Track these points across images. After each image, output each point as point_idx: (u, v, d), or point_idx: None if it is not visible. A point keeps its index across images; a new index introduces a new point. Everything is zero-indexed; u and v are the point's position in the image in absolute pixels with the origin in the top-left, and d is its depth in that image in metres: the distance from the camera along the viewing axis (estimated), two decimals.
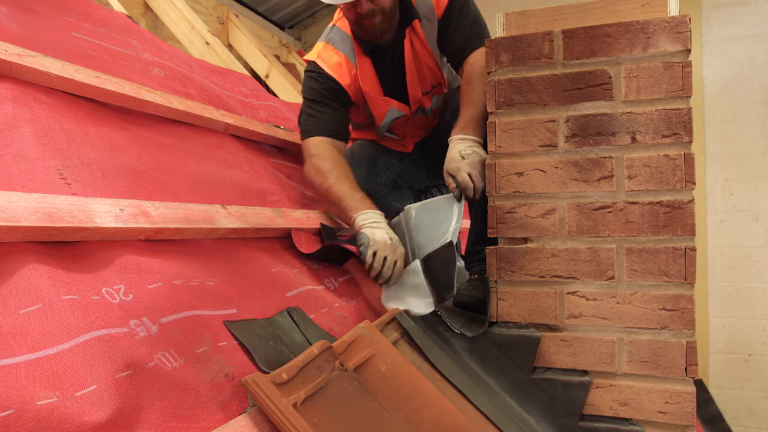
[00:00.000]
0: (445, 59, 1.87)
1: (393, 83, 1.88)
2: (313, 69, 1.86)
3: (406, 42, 1.81)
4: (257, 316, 1.14)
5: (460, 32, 1.73)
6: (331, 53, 1.84)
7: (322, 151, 1.77)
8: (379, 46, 1.81)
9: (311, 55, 1.90)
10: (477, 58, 1.69)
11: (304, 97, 1.89)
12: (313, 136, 1.81)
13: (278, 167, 1.88)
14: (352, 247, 1.54)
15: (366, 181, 1.90)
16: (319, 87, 1.84)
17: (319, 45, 1.89)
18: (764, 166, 3.68)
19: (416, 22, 1.79)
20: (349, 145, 2.08)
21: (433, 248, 1.53)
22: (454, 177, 1.54)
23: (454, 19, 1.74)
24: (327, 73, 1.83)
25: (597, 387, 1.27)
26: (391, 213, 1.85)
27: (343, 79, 1.82)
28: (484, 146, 1.53)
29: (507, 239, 1.36)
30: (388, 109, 1.92)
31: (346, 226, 1.70)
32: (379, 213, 1.64)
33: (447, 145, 1.65)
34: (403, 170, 2.13)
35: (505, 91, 1.36)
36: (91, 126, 1.23)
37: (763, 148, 3.69)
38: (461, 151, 1.53)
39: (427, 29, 1.80)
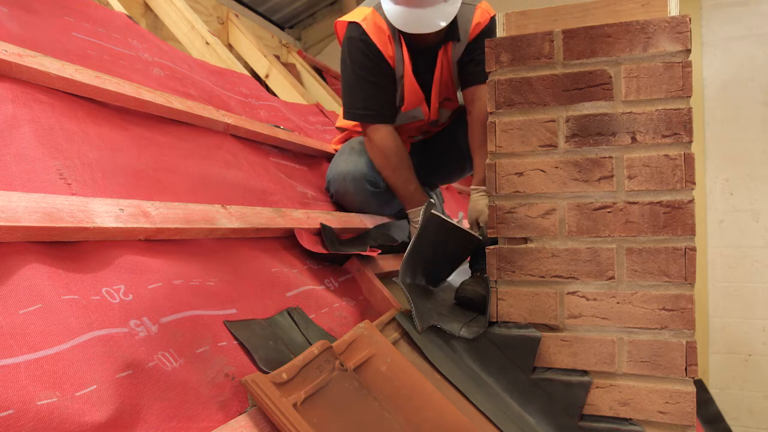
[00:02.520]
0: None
1: (421, 84, 1.92)
2: (360, 37, 1.80)
3: (440, 55, 1.86)
4: (257, 316, 1.14)
5: (480, 62, 1.79)
6: (379, 25, 1.80)
7: (388, 143, 1.88)
8: (418, 48, 1.84)
9: (355, 17, 1.84)
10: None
11: (353, 70, 1.84)
12: (377, 122, 1.88)
13: (278, 167, 1.88)
14: (358, 252, 1.58)
15: (369, 174, 1.94)
16: (368, 61, 1.81)
17: (365, 10, 1.84)
18: (764, 166, 3.68)
19: (451, 43, 1.83)
20: (353, 137, 2.11)
21: None
22: (481, 227, 1.76)
23: (480, 47, 1.78)
24: (373, 42, 1.79)
25: (597, 387, 1.27)
26: (394, 207, 2.06)
27: (387, 50, 1.81)
28: None
29: (507, 239, 1.36)
30: (418, 106, 1.95)
31: (360, 226, 1.85)
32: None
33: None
34: None
35: (505, 91, 1.36)
36: (91, 126, 1.23)
37: (763, 148, 3.69)
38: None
39: (456, 50, 1.85)
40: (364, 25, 1.80)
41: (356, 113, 1.90)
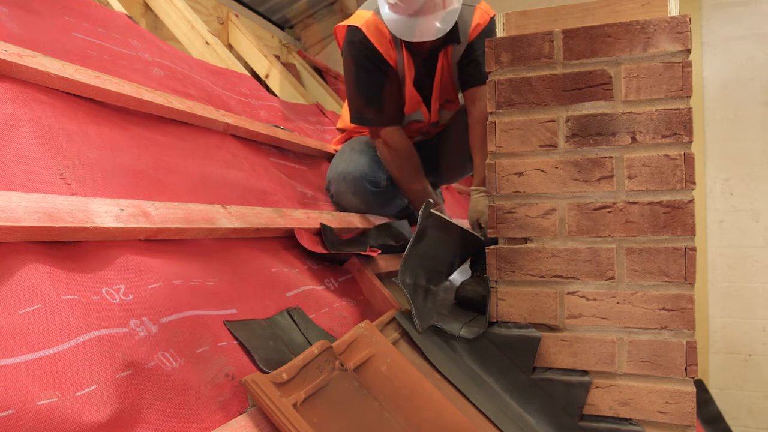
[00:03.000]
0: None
1: (421, 87, 1.91)
2: (361, 41, 1.80)
3: (441, 58, 1.85)
4: (257, 316, 1.14)
5: (481, 63, 1.78)
6: (380, 29, 1.79)
7: (404, 148, 1.92)
8: (419, 51, 1.84)
9: (355, 21, 1.82)
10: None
11: (357, 75, 1.84)
12: (387, 126, 1.90)
13: (278, 167, 1.88)
14: (358, 252, 1.58)
15: (369, 174, 1.94)
16: (371, 66, 1.80)
17: (365, 14, 1.82)
18: (764, 166, 3.68)
19: (451, 46, 1.84)
20: (353, 137, 2.11)
21: None
22: (482, 228, 1.77)
23: (480, 48, 1.78)
24: (374, 46, 1.78)
25: (597, 387, 1.27)
26: (394, 207, 2.05)
27: (389, 54, 1.81)
28: None
29: (507, 239, 1.36)
30: (417, 109, 1.96)
31: (360, 226, 1.85)
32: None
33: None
34: None
35: (505, 91, 1.36)
36: (91, 126, 1.23)
37: (763, 148, 3.69)
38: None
39: (456, 51, 1.85)
40: (364, 29, 1.79)
41: (365, 118, 1.90)
